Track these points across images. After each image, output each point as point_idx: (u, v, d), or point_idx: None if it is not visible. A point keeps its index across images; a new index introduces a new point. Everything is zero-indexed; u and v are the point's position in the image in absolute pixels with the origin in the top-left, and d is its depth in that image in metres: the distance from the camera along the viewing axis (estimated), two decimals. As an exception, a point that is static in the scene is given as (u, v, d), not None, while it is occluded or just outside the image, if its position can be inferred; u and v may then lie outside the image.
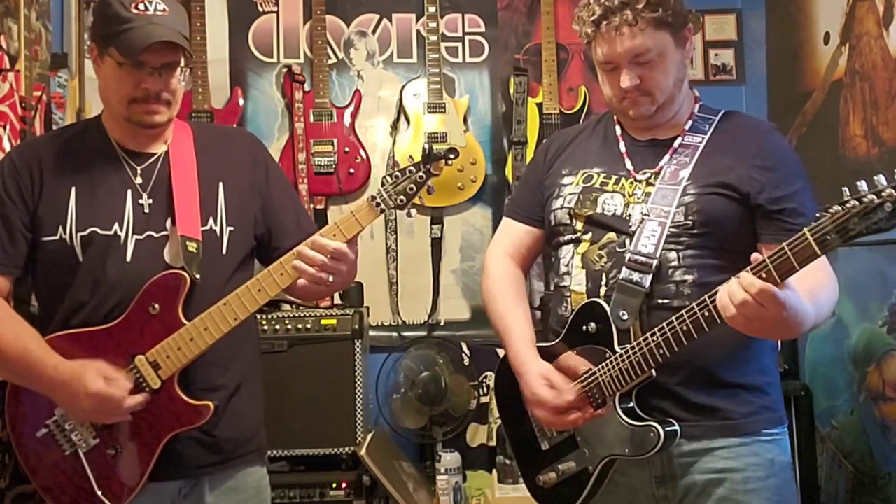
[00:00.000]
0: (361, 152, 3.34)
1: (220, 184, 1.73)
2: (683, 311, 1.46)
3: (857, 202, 1.19)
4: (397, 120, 3.40)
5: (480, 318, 3.36)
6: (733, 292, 1.33)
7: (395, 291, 3.38)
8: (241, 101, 3.33)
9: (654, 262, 1.57)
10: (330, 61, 3.39)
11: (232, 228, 1.72)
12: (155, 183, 1.70)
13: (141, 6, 1.61)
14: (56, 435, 1.64)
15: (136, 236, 1.65)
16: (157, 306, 1.61)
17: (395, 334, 3.36)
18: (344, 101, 3.38)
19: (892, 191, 1.16)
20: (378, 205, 1.59)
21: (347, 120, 3.35)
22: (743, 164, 1.59)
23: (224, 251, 1.71)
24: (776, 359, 1.69)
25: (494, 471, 3.00)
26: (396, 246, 3.36)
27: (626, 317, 1.57)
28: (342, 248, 1.57)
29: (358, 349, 2.92)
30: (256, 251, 1.80)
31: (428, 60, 3.36)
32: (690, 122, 1.69)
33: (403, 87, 3.39)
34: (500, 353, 3.19)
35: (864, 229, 1.20)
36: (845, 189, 1.21)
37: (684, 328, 1.46)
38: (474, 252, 3.42)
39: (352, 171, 3.31)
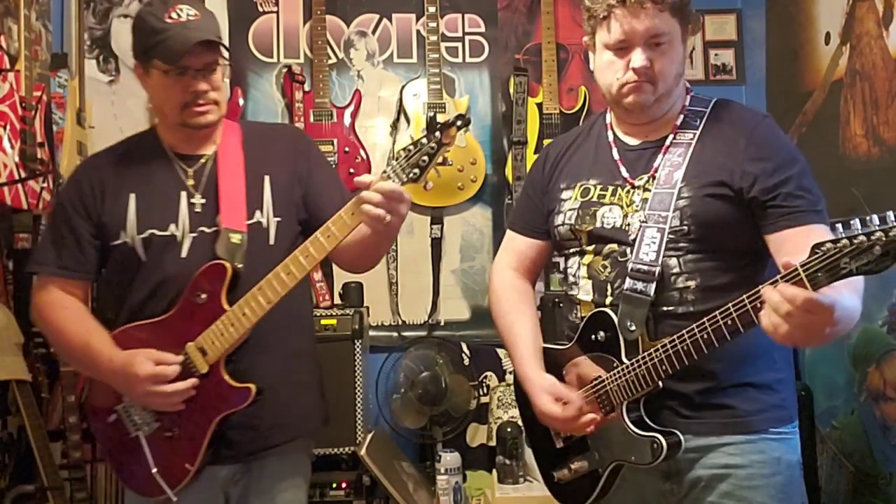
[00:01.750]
0: (361, 152, 3.34)
1: (266, 178, 1.83)
2: (685, 332, 1.47)
3: (847, 241, 1.18)
4: (397, 120, 3.40)
5: (480, 318, 3.37)
6: (777, 304, 1.29)
7: (395, 291, 3.38)
8: (241, 101, 3.33)
9: (657, 270, 1.56)
10: (330, 61, 3.39)
11: (279, 219, 1.82)
12: (206, 183, 1.81)
13: (174, 15, 1.72)
14: (123, 419, 1.78)
15: (191, 234, 1.77)
16: (203, 296, 1.71)
17: (395, 334, 3.36)
18: (344, 101, 3.39)
19: (882, 234, 1.14)
20: (389, 178, 1.59)
21: (347, 120, 3.35)
22: (735, 159, 1.57)
23: (272, 241, 1.80)
24: (789, 356, 1.68)
25: (494, 471, 3.00)
26: (396, 246, 3.36)
27: (633, 328, 1.57)
28: (397, 189, 1.58)
29: (358, 349, 2.93)
30: (302, 236, 1.84)
31: (428, 60, 3.36)
32: (682, 116, 1.67)
33: (403, 87, 3.40)
34: (501, 352, 3.21)
35: (855, 269, 1.19)
36: (839, 226, 1.19)
37: (685, 347, 1.47)
38: (474, 252, 3.42)
39: (352, 171, 3.30)
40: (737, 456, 1.56)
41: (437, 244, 3.40)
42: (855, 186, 2.60)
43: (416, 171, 1.58)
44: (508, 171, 3.38)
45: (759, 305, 1.35)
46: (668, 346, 1.49)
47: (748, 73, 3.50)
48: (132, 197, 1.79)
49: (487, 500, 2.95)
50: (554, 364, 1.72)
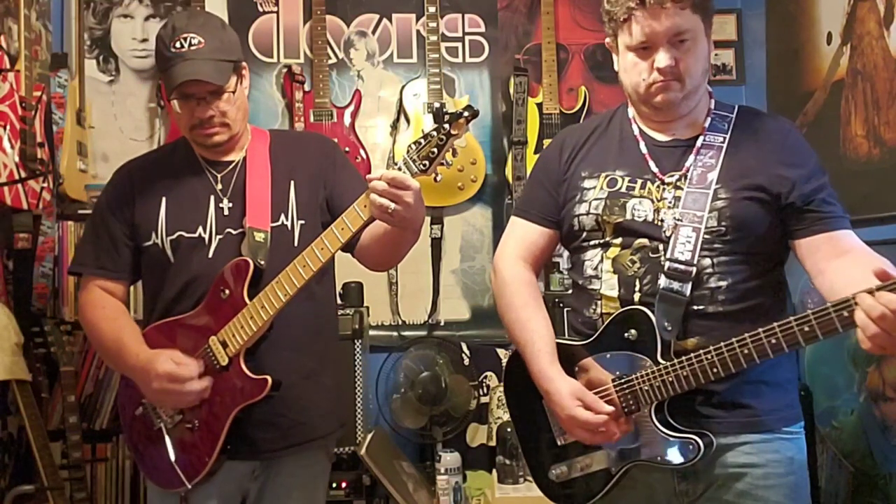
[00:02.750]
0: (361, 152, 3.34)
1: (292, 183, 1.89)
2: (746, 335, 1.45)
3: None
4: (397, 120, 3.40)
5: (480, 318, 3.37)
6: (871, 307, 1.29)
7: (395, 291, 3.38)
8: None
9: (693, 270, 1.56)
10: (330, 61, 3.39)
11: (303, 222, 1.88)
12: (234, 188, 1.88)
13: (178, 44, 1.77)
14: (149, 412, 1.84)
15: (218, 236, 1.84)
16: (226, 291, 1.77)
17: (395, 334, 3.36)
18: (344, 101, 3.38)
19: None
20: (400, 170, 1.60)
21: (347, 120, 3.35)
22: (769, 164, 1.59)
23: (296, 243, 1.85)
24: (794, 356, 1.68)
25: (494, 471, 3.00)
26: (396, 246, 3.36)
27: (670, 328, 1.55)
28: (399, 176, 1.58)
29: (358, 349, 2.93)
30: None
31: (428, 60, 3.36)
32: (709, 119, 1.68)
33: (403, 87, 3.39)
34: (501, 352, 3.20)
35: None
36: None
37: (745, 351, 1.45)
38: (474, 252, 3.42)
39: (352, 171, 3.30)
40: (753, 455, 1.57)
41: (437, 244, 3.40)
42: (855, 187, 2.60)
43: (426, 162, 1.58)
44: (508, 171, 3.37)
45: (846, 314, 1.33)
46: (725, 349, 1.47)
47: (748, 73, 3.49)
48: (163, 200, 1.86)
49: (487, 500, 2.95)
50: (567, 360, 1.67)
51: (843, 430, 2.71)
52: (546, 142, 3.33)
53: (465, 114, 1.55)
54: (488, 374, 3.27)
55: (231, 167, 1.90)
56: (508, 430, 2.96)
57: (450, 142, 1.57)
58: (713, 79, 3.47)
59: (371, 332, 3.14)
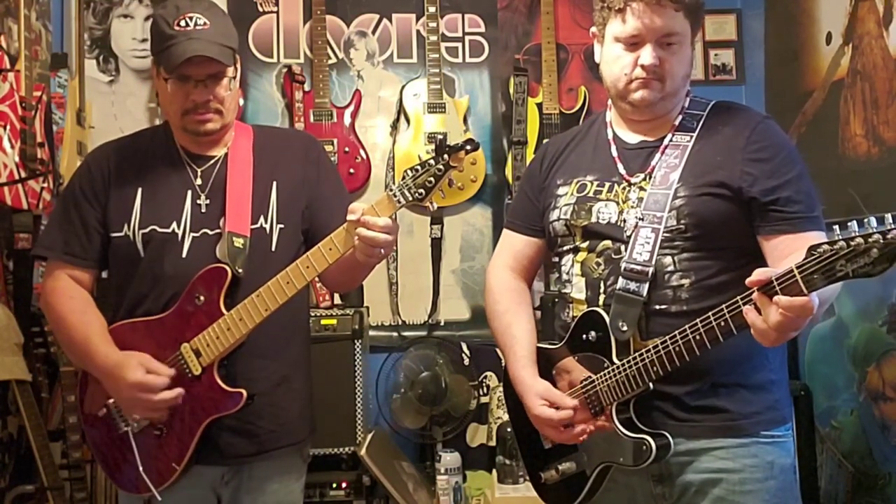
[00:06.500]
0: (361, 152, 3.34)
1: (274, 184, 1.83)
2: (677, 333, 1.47)
3: (844, 244, 1.16)
4: (397, 120, 3.40)
5: (480, 318, 3.37)
6: (769, 314, 1.30)
7: (395, 291, 3.38)
8: (241, 101, 3.32)
9: (650, 270, 1.56)
10: (330, 61, 3.39)
11: (282, 226, 1.81)
12: (213, 184, 1.81)
13: (182, 22, 1.72)
14: (113, 413, 1.77)
15: (192, 234, 1.77)
16: (201, 298, 1.71)
17: (395, 334, 3.36)
18: (344, 101, 3.39)
19: (880, 236, 1.13)
20: (395, 196, 1.61)
21: (347, 120, 3.35)
22: (733, 160, 1.57)
23: (273, 248, 1.80)
24: (784, 357, 1.66)
25: (494, 471, 3.00)
26: (396, 246, 3.36)
27: (625, 328, 1.56)
28: (390, 223, 1.62)
29: (358, 349, 2.93)
30: (304, 246, 1.84)
31: (428, 60, 3.36)
32: (680, 117, 1.67)
33: (403, 87, 3.40)
34: (500, 352, 3.18)
35: (851, 272, 1.18)
36: (836, 227, 1.18)
37: (677, 349, 1.46)
38: (474, 252, 3.42)
39: (352, 171, 3.30)
40: (729, 460, 1.55)
41: (437, 244, 3.40)
42: (854, 186, 2.60)
43: (422, 191, 1.59)
44: (508, 171, 3.38)
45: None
46: (661, 346, 1.48)
47: (748, 73, 3.50)
48: (139, 191, 1.79)
49: (487, 500, 2.95)
50: (544, 363, 1.70)
51: (843, 430, 2.71)
52: (546, 141, 3.34)
53: (467, 147, 1.58)
54: (488, 374, 3.27)
55: (212, 162, 1.83)
56: (508, 430, 2.96)
57: (448, 173, 1.59)
58: (713, 78, 3.49)
59: (371, 333, 3.14)
